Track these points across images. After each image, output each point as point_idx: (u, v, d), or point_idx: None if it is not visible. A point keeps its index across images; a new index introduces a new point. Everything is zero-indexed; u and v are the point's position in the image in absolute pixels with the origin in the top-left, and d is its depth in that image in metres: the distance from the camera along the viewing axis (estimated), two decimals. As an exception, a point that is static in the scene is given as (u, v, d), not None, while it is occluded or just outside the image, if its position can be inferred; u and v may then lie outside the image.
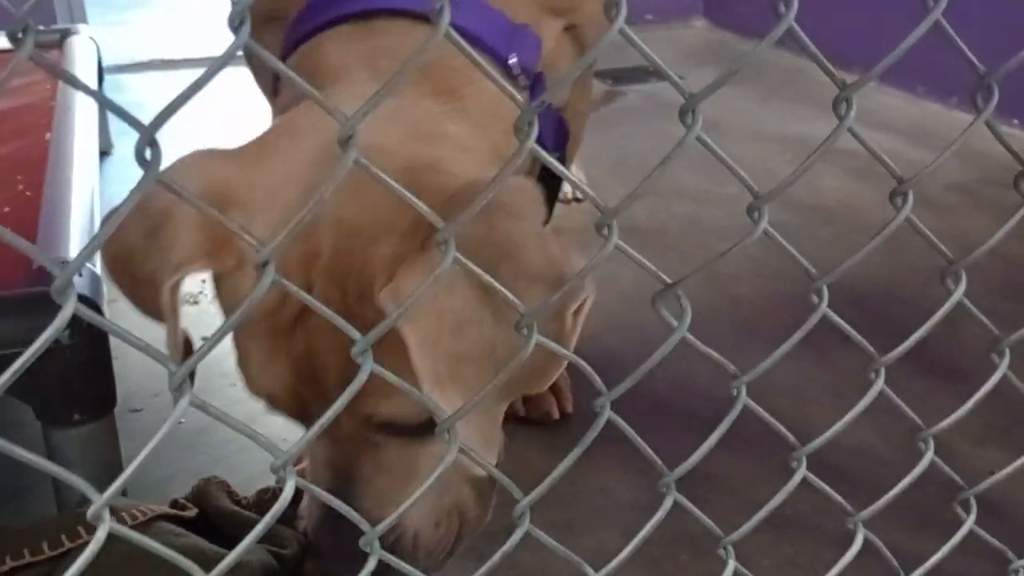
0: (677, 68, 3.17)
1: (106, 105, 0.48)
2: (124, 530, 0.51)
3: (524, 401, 1.48)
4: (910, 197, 0.66)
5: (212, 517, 1.13)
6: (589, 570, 0.73)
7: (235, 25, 0.47)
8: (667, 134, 2.53)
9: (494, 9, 0.96)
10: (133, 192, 0.47)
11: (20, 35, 0.43)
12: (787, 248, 0.65)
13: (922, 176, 0.66)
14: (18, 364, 0.46)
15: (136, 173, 0.47)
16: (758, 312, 1.77)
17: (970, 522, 0.93)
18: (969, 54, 0.62)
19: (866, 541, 0.87)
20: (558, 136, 1.12)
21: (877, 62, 0.61)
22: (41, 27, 2.38)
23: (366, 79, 0.87)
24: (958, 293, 0.73)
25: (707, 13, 3.75)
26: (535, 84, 0.98)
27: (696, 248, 2.00)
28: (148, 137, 0.48)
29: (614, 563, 0.73)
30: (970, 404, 0.83)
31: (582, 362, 0.63)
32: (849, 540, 0.87)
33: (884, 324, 1.69)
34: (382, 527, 0.60)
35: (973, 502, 0.94)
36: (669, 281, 0.64)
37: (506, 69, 0.95)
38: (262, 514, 1.19)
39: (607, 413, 0.65)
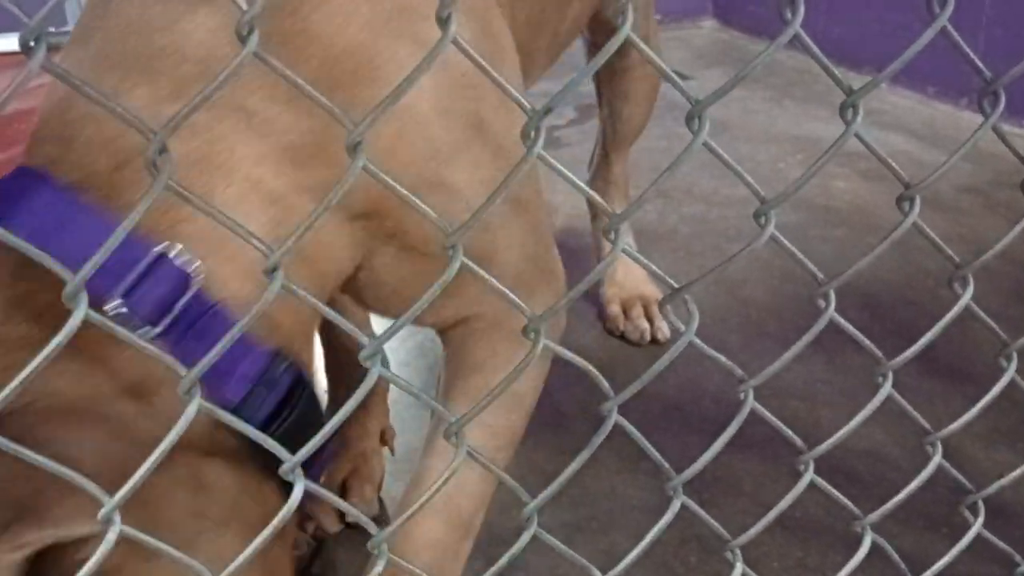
0: (686, 69, 3.16)
1: (117, 113, 0.49)
2: (136, 533, 0.51)
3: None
4: (917, 202, 0.67)
5: None
6: (596, 573, 0.73)
7: (244, 34, 0.47)
8: (677, 135, 2.53)
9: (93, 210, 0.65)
10: (145, 196, 0.48)
11: (33, 43, 0.43)
12: (794, 253, 0.65)
13: (929, 181, 0.66)
14: (34, 365, 0.46)
15: (146, 179, 0.48)
16: (767, 314, 1.77)
17: (978, 525, 0.93)
18: (975, 59, 0.62)
19: (874, 544, 0.87)
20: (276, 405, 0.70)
21: (889, 62, 0.61)
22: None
23: None
24: (965, 298, 0.73)
25: (716, 13, 3.74)
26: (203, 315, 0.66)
27: (706, 250, 2.00)
28: (160, 143, 0.48)
29: (622, 565, 0.74)
30: (979, 407, 0.83)
31: (589, 366, 0.64)
32: (858, 543, 0.87)
33: (895, 327, 1.69)
34: (389, 530, 0.61)
35: (981, 505, 0.94)
36: (676, 285, 0.64)
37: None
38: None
39: (614, 416, 0.66)
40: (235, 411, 0.64)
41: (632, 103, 1.67)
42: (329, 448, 0.68)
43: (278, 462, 0.56)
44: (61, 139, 0.68)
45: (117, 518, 0.50)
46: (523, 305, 0.60)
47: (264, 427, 0.66)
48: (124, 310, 0.62)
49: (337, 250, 0.74)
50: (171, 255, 0.64)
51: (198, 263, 0.65)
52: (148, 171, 0.48)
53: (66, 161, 0.67)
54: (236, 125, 0.67)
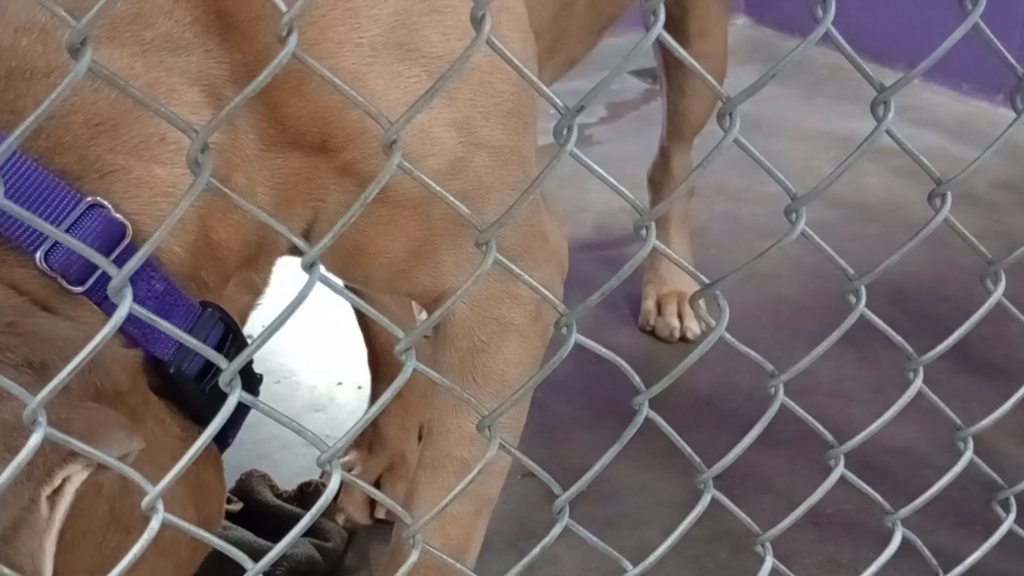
0: (719, 66, 3.15)
1: (160, 113, 0.50)
2: (178, 521, 0.53)
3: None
4: (948, 198, 0.67)
5: (255, 510, 1.15)
6: (628, 565, 0.74)
7: (283, 35, 0.49)
8: (708, 132, 2.52)
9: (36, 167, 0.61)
10: (187, 195, 0.49)
11: (80, 45, 0.44)
12: (825, 249, 0.66)
13: (960, 177, 0.66)
14: (72, 365, 0.47)
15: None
16: (799, 310, 1.76)
17: (1010, 521, 0.93)
18: (1007, 55, 0.62)
19: (905, 539, 0.87)
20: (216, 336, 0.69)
21: (922, 58, 0.61)
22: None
23: None
24: (997, 294, 0.73)
25: (749, 11, 3.72)
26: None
27: (736, 246, 2.00)
28: (201, 143, 0.49)
29: (652, 559, 0.74)
30: (1011, 403, 0.83)
31: (621, 360, 0.64)
32: (888, 539, 0.87)
33: (927, 323, 1.68)
34: (424, 520, 0.62)
35: (1013, 501, 0.93)
36: (707, 281, 0.65)
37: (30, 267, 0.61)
38: (303, 507, 1.21)
39: (645, 411, 0.66)
40: (168, 364, 0.64)
41: (688, 97, 1.66)
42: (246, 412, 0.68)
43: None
44: None
45: (160, 505, 0.51)
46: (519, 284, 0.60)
47: (197, 379, 0.66)
48: (62, 259, 0.60)
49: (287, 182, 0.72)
50: (106, 207, 0.63)
51: (130, 218, 0.64)
52: (190, 168, 0.50)
53: None
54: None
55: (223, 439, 0.73)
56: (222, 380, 0.53)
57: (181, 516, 0.54)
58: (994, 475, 0.89)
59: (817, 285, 1.83)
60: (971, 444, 0.85)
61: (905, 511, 0.84)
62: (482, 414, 0.62)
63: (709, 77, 0.59)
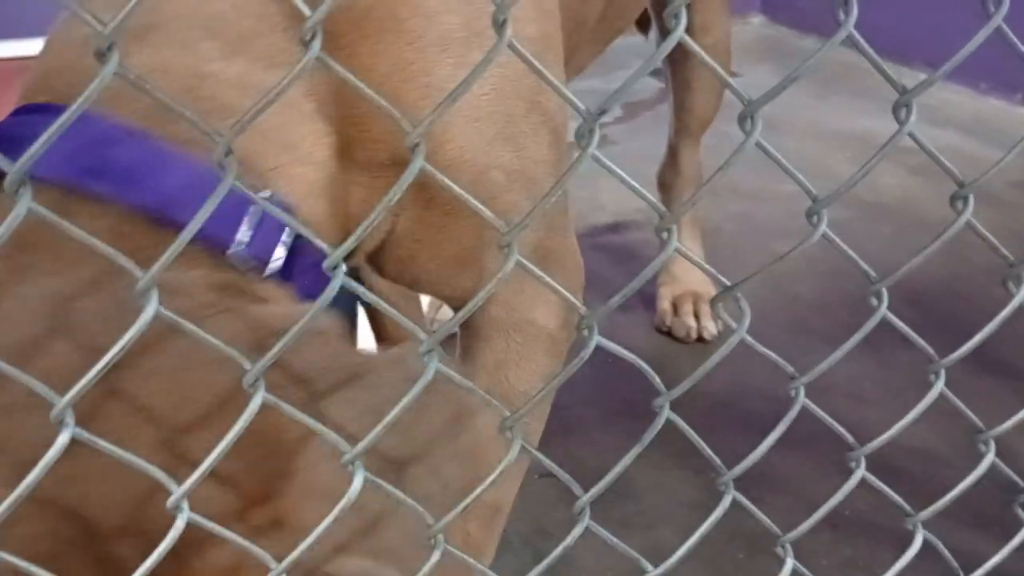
0: (734, 65, 3.13)
1: (184, 116, 0.50)
2: (202, 519, 0.53)
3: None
4: (970, 200, 0.67)
5: None
6: (647, 566, 0.74)
7: (308, 39, 0.49)
8: (724, 134, 2.51)
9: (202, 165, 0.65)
10: (211, 199, 0.49)
11: (107, 50, 0.45)
12: (847, 251, 0.66)
13: (983, 179, 0.66)
14: (101, 365, 0.48)
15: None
16: (816, 310, 1.76)
17: (1031, 524, 0.92)
18: (1030, 57, 0.62)
19: (925, 542, 0.87)
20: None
21: (941, 57, 0.60)
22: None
23: None
24: (1020, 296, 0.72)
25: (764, 9, 3.72)
26: (293, 267, 0.68)
27: (751, 247, 2.00)
28: (226, 146, 0.50)
29: (671, 560, 0.74)
30: (1032, 406, 0.83)
31: (642, 362, 0.64)
32: (908, 541, 0.87)
33: (946, 324, 1.67)
34: (446, 520, 0.62)
35: (1034, 504, 0.93)
36: (728, 283, 0.65)
37: (222, 258, 0.65)
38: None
39: (666, 412, 0.66)
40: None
41: (695, 92, 1.66)
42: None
43: None
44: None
45: (185, 504, 0.51)
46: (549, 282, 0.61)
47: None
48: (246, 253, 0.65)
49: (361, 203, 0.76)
50: (276, 197, 0.68)
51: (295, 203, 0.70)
52: (216, 170, 0.50)
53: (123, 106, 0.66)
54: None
55: None
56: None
57: None
58: (1015, 477, 0.89)
59: (833, 285, 1.82)
60: (993, 447, 0.85)
61: (925, 513, 0.84)
62: (506, 415, 0.62)
63: (719, 68, 0.59)
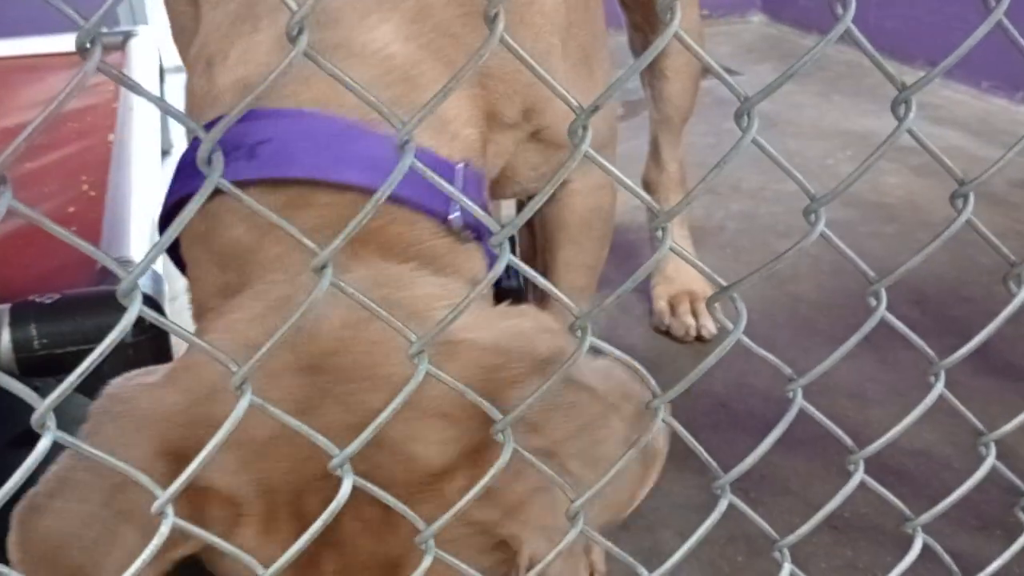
0: (735, 64, 3.14)
1: (171, 113, 0.49)
2: (188, 526, 0.52)
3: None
4: (971, 199, 0.65)
5: None
6: (643, 571, 0.73)
7: (294, 34, 0.48)
8: (724, 131, 2.51)
9: (425, 151, 0.76)
10: (196, 198, 0.48)
11: (88, 45, 0.44)
12: (845, 251, 0.65)
13: (984, 177, 0.65)
14: (88, 362, 0.47)
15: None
16: (817, 310, 1.75)
17: (1033, 527, 0.91)
18: (1032, 53, 0.61)
19: (925, 545, 0.86)
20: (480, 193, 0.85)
21: (942, 56, 0.60)
22: (104, 29, 2.43)
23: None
24: (1021, 295, 0.71)
25: (765, 8, 3.71)
26: (480, 231, 0.79)
27: (754, 246, 1.99)
28: (211, 144, 0.49)
29: (668, 563, 0.73)
30: (1034, 407, 0.82)
31: (636, 363, 0.63)
32: (909, 544, 0.86)
33: (948, 324, 1.66)
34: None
35: (1036, 507, 0.92)
36: (724, 283, 0.64)
37: (446, 225, 0.77)
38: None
39: (662, 414, 0.65)
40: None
41: (671, 81, 1.63)
42: None
43: None
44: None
45: (170, 510, 0.51)
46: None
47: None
48: (461, 220, 0.77)
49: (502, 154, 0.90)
50: (469, 167, 0.80)
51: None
52: (200, 167, 0.49)
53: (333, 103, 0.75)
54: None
55: None
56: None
57: None
58: (1016, 480, 0.88)
59: (834, 284, 1.81)
60: (994, 449, 0.84)
61: (926, 517, 0.83)
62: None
63: (710, 60, 0.57)
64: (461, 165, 0.80)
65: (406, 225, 0.75)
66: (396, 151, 0.52)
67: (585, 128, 0.54)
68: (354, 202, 0.72)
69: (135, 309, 0.47)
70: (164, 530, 0.51)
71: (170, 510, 0.51)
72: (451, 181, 0.77)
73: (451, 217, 0.76)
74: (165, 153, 2.37)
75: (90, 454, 0.49)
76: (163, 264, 1.25)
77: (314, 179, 0.72)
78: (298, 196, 0.73)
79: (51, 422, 0.46)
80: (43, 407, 0.45)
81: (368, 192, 0.71)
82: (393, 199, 0.73)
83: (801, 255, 1.98)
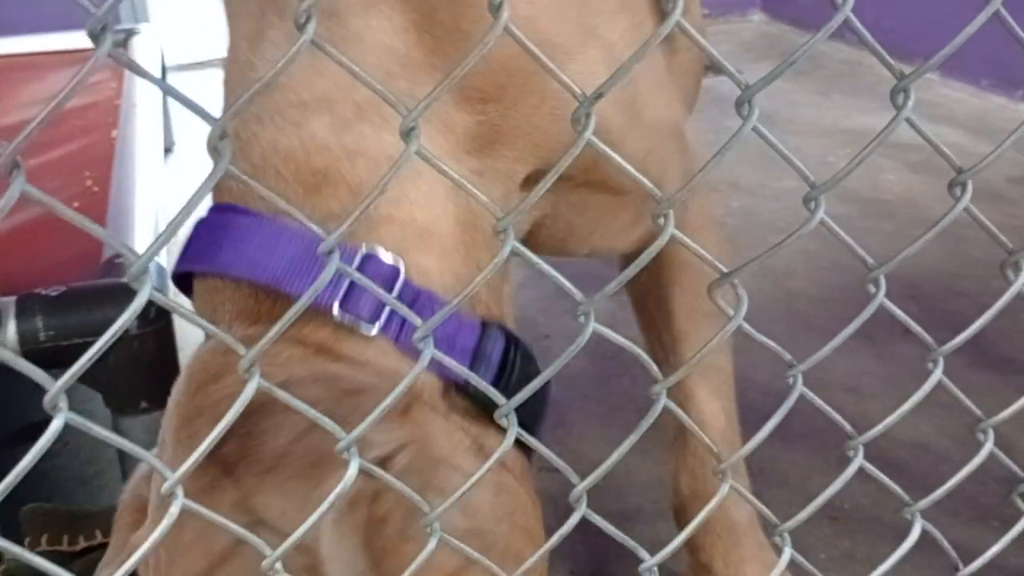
0: (734, 62, 3.12)
1: (182, 101, 0.50)
2: (197, 507, 0.53)
3: None
4: (969, 187, 0.66)
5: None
6: (644, 554, 0.74)
7: (302, 22, 0.49)
8: (723, 128, 2.51)
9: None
10: (205, 183, 0.49)
11: (100, 32, 0.45)
12: (843, 238, 0.65)
13: (981, 166, 0.66)
14: (93, 351, 0.47)
15: (198, 169, 0.49)
16: (814, 305, 1.76)
17: (1030, 516, 0.92)
18: (1029, 44, 0.62)
19: (924, 534, 0.87)
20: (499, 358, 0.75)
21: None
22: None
23: None
24: (1018, 283, 0.72)
25: (765, 6, 3.72)
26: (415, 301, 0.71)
27: (753, 242, 1.99)
28: (221, 129, 0.49)
29: (668, 549, 0.74)
30: (1030, 396, 0.82)
31: (638, 349, 0.64)
32: (907, 534, 0.87)
33: (943, 318, 1.67)
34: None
35: (1033, 496, 0.93)
36: (725, 270, 0.64)
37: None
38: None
39: (663, 400, 0.66)
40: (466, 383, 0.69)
41: (674, 78, 1.64)
42: (547, 404, 0.76)
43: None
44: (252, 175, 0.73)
45: (180, 491, 0.51)
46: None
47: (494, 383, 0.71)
48: (346, 317, 0.69)
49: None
50: (378, 254, 0.70)
51: (400, 259, 0.71)
52: (210, 154, 0.50)
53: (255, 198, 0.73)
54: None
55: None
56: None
57: None
58: (1015, 468, 0.89)
59: (831, 280, 1.82)
60: (991, 436, 0.85)
61: (924, 503, 0.84)
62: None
63: (714, 52, 0.58)
64: (367, 248, 0.71)
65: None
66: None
67: (588, 116, 0.55)
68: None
69: (145, 292, 0.48)
70: (174, 510, 0.52)
71: (179, 491, 0.52)
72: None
73: (334, 306, 0.69)
74: (167, 150, 2.38)
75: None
76: (166, 257, 1.26)
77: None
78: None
79: (63, 403, 0.47)
80: (55, 388, 0.46)
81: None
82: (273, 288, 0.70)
83: (798, 251, 1.99)
